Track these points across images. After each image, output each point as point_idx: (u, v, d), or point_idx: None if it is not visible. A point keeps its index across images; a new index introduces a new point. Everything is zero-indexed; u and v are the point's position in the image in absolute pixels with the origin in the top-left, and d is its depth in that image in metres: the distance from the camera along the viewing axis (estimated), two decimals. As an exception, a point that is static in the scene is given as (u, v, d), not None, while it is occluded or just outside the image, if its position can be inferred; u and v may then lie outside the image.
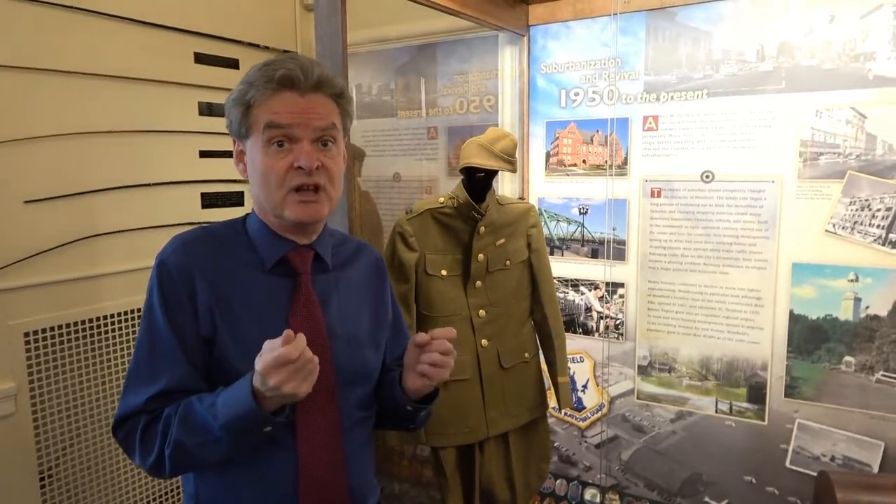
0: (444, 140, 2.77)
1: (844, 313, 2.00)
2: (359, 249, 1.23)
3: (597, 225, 2.42)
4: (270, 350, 0.88)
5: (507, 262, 1.96)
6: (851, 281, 1.98)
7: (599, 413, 2.48)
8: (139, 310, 2.12)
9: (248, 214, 1.14)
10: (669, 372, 2.32)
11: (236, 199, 2.58)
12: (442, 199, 1.90)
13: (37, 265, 1.96)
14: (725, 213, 2.16)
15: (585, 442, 2.52)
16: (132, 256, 2.19)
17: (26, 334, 1.93)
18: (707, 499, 2.28)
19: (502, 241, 1.94)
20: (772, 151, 2.07)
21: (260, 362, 0.89)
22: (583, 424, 2.52)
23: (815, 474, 1.98)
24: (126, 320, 2.20)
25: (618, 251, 2.38)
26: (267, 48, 2.66)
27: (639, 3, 2.22)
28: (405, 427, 1.23)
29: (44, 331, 1.98)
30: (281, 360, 0.87)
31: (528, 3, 2.39)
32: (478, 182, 1.86)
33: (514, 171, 1.91)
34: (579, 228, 2.46)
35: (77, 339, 2.08)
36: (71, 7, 2.02)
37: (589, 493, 2.53)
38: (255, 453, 1.01)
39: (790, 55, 2.01)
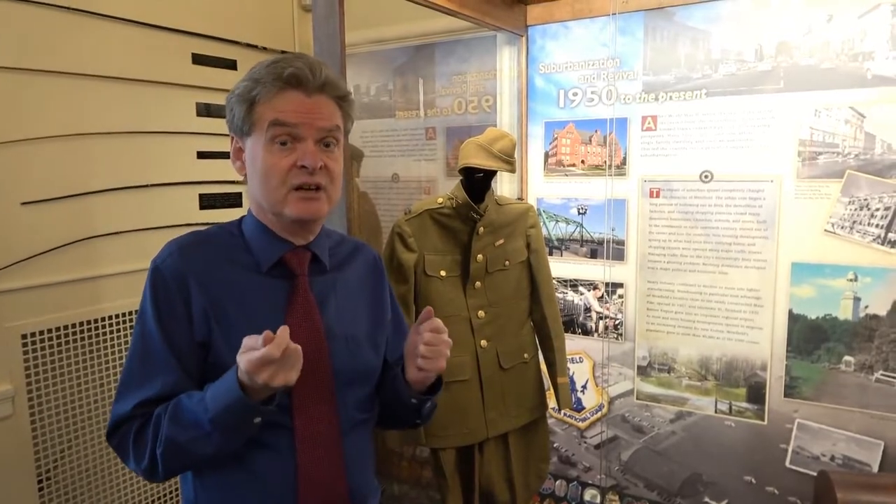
0: (442, 140, 2.76)
1: (844, 313, 2.00)
2: (356, 249, 1.22)
3: (596, 225, 2.42)
4: (251, 349, 0.87)
5: (507, 262, 1.96)
6: (850, 280, 1.98)
7: (599, 413, 2.48)
8: (137, 311, 2.11)
9: (243, 217, 1.13)
10: (669, 372, 2.32)
11: (234, 201, 2.58)
12: (441, 200, 1.89)
13: (34, 267, 1.95)
14: (724, 213, 2.16)
15: (585, 442, 2.52)
16: (130, 258, 2.19)
17: (24, 336, 1.93)
18: (707, 499, 2.28)
19: (501, 241, 1.94)
20: (771, 151, 2.07)
21: (243, 361, 0.88)
22: (582, 425, 2.52)
23: (814, 474, 1.98)
24: (124, 322, 2.19)
25: (617, 251, 2.38)
26: (265, 49, 2.66)
27: (637, 3, 2.22)
28: (412, 423, 1.22)
29: (41, 332, 1.97)
30: (265, 360, 0.86)
31: (526, 3, 2.39)
32: (477, 182, 1.86)
33: (512, 171, 1.90)
34: (578, 229, 2.46)
35: (75, 340, 2.07)
36: (68, 8, 2.01)
37: (588, 494, 2.53)
38: (249, 450, 1.00)
39: (789, 55, 2.01)
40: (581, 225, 2.45)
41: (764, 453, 2.16)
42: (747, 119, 2.09)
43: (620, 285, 2.39)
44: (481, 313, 1.92)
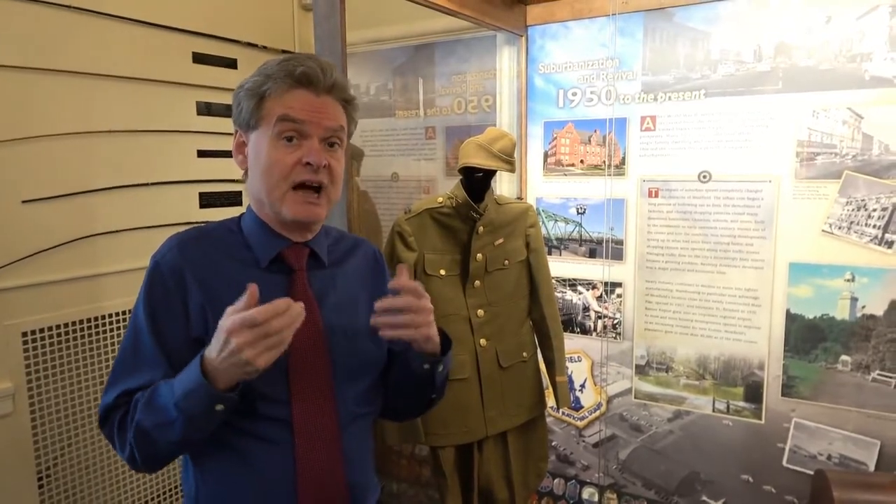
0: (442, 140, 2.77)
1: (841, 313, 2.01)
2: (356, 245, 1.23)
3: (595, 225, 2.43)
4: (235, 311, 0.87)
5: (506, 261, 1.96)
6: (848, 280, 1.99)
7: (597, 412, 2.49)
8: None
9: (242, 214, 1.14)
10: (667, 371, 2.33)
11: (234, 199, 2.58)
12: (440, 199, 1.90)
13: (35, 265, 1.96)
14: (723, 213, 2.17)
15: (583, 441, 2.53)
16: (130, 256, 2.19)
17: (24, 334, 1.93)
18: (704, 498, 2.29)
19: (501, 240, 1.95)
20: (769, 151, 2.07)
21: (230, 318, 0.87)
22: (581, 424, 2.53)
23: (811, 473, 1.98)
24: (125, 320, 2.20)
25: (616, 251, 2.39)
26: (265, 48, 2.66)
27: (637, 4, 2.23)
28: (427, 398, 1.19)
29: (42, 330, 1.98)
30: (247, 322, 0.85)
31: (525, 3, 2.40)
32: (476, 182, 1.86)
33: (512, 170, 1.91)
34: (577, 228, 2.47)
35: (75, 338, 2.07)
36: (69, 6, 2.02)
37: (587, 492, 2.53)
38: (248, 443, 1.00)
39: (787, 55, 2.02)
40: (580, 224, 2.46)
41: (761, 452, 2.17)
42: (746, 119, 2.10)
43: (619, 285, 2.40)
44: (481, 312, 1.93)
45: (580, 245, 2.47)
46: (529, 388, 2.04)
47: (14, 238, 1.91)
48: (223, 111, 2.48)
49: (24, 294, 1.93)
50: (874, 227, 1.94)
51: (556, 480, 2.59)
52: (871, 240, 1.95)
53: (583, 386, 2.52)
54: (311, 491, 1.05)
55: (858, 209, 1.96)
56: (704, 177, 2.19)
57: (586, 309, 2.49)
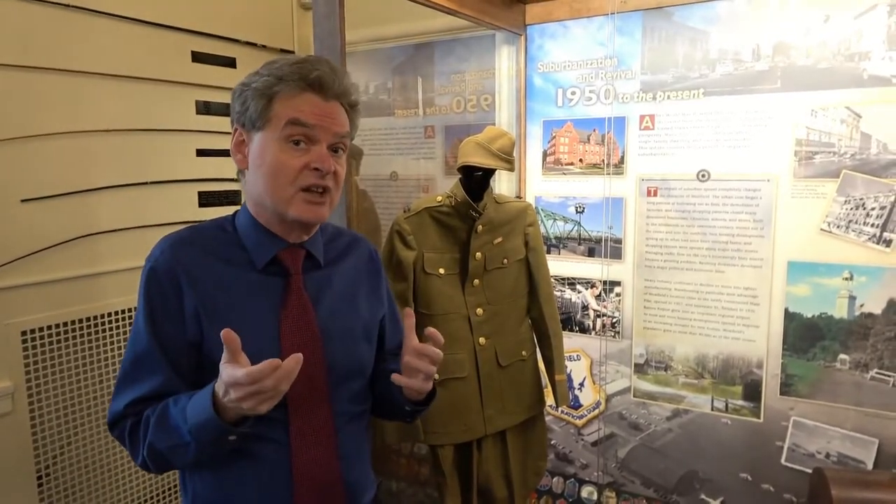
0: (441, 139, 2.77)
1: (839, 311, 2.02)
2: (352, 243, 1.23)
3: (593, 223, 2.43)
4: (234, 368, 0.87)
5: (505, 260, 1.97)
6: (846, 279, 2.00)
7: (596, 411, 2.49)
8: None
9: (236, 212, 1.13)
10: (666, 370, 2.33)
11: (233, 198, 2.59)
12: (440, 198, 1.90)
13: (34, 263, 1.96)
14: (721, 211, 2.17)
15: (582, 440, 2.53)
16: (129, 255, 2.19)
17: (24, 333, 1.93)
18: (703, 496, 2.29)
19: (500, 239, 1.95)
20: (767, 150, 2.08)
21: (226, 373, 0.88)
22: (579, 422, 2.53)
23: (810, 471, 1.99)
24: (124, 318, 2.20)
25: (614, 250, 2.39)
26: (264, 47, 2.66)
27: (636, 3, 2.23)
28: (402, 420, 1.24)
29: (41, 329, 1.98)
30: (238, 383, 0.87)
31: (524, 2, 2.40)
32: (475, 181, 1.86)
33: (511, 169, 1.91)
34: (576, 227, 2.47)
35: (74, 337, 2.08)
36: (68, 6, 2.02)
37: (586, 491, 2.54)
38: (245, 443, 1.01)
39: (786, 55, 2.03)
40: (579, 223, 2.46)
41: (760, 451, 2.17)
42: (744, 119, 2.10)
43: (618, 283, 2.40)
44: (480, 311, 1.93)
45: (579, 244, 2.47)
46: (528, 387, 2.04)
47: (13, 237, 1.91)
48: (222, 110, 2.47)
49: (23, 293, 1.93)
50: (872, 225, 1.95)
51: (555, 479, 2.60)
52: (870, 238, 1.95)
53: (582, 384, 2.52)
54: (307, 489, 1.06)
55: (857, 208, 1.96)
56: (703, 176, 2.19)
57: (585, 308, 2.49)
